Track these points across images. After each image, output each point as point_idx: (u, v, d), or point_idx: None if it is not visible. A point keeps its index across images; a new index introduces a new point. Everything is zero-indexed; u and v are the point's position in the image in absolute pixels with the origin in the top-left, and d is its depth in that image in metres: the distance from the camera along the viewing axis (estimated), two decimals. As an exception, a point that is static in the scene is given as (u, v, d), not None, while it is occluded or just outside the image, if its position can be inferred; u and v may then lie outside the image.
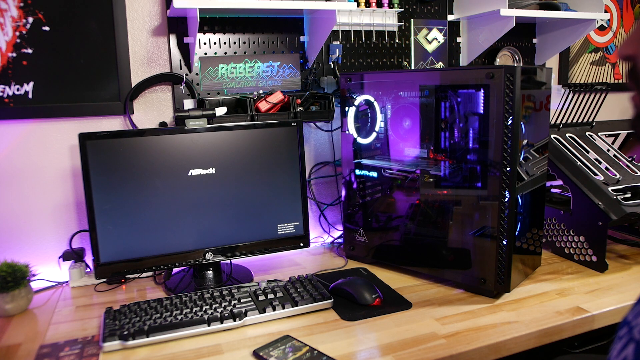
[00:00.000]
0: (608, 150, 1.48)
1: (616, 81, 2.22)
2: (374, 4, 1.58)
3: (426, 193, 1.23)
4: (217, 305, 1.08)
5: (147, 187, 1.19)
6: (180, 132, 1.21)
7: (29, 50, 1.29)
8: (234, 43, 1.49)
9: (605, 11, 2.05)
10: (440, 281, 1.25)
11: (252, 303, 1.09)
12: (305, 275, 1.23)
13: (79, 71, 1.34)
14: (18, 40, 1.28)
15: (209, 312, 1.05)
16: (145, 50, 1.41)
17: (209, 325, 1.01)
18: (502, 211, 1.10)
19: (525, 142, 1.17)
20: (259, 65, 1.52)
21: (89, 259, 1.35)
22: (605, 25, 2.13)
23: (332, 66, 1.61)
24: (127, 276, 1.32)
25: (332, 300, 1.12)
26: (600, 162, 1.40)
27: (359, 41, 1.64)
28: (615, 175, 1.34)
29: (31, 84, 1.30)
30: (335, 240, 1.63)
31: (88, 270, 1.34)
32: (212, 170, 1.24)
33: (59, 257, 1.34)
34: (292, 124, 1.31)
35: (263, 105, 1.40)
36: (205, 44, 1.46)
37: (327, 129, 1.65)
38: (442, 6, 1.75)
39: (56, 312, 1.15)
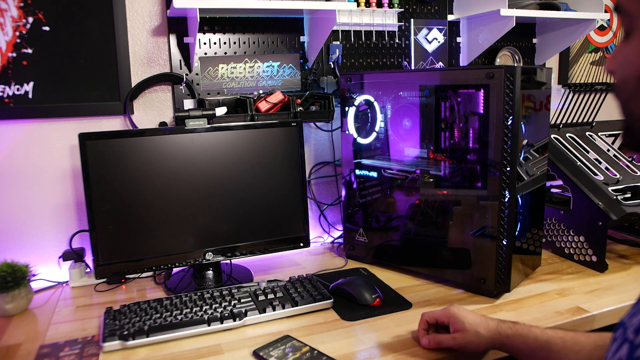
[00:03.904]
0: (608, 150, 1.48)
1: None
2: (374, 4, 1.58)
3: (426, 193, 1.23)
4: (217, 305, 1.08)
5: (147, 187, 1.19)
6: (180, 132, 1.21)
7: (29, 50, 1.29)
8: (234, 43, 1.49)
9: (605, 11, 2.05)
10: (440, 281, 1.25)
11: (252, 303, 1.09)
12: (305, 275, 1.23)
13: (79, 71, 1.34)
14: (18, 40, 1.28)
15: (209, 312, 1.05)
16: (145, 50, 1.41)
17: (209, 325, 1.01)
18: (502, 211, 1.10)
19: (525, 142, 1.17)
20: (259, 65, 1.52)
21: (89, 259, 1.35)
22: (605, 25, 2.13)
23: (332, 66, 1.61)
24: (127, 276, 1.32)
25: (332, 300, 1.12)
26: (600, 162, 1.40)
27: (359, 41, 1.64)
28: (615, 175, 1.34)
29: (31, 84, 1.30)
30: (335, 240, 1.63)
31: (88, 270, 1.34)
32: (212, 170, 1.24)
33: (59, 257, 1.34)
34: (292, 124, 1.31)
35: (263, 105, 1.40)
36: (205, 44, 1.46)
37: (327, 129, 1.65)
38: (442, 6, 1.75)
39: (56, 312, 1.15)
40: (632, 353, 0.49)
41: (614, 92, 0.54)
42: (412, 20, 1.70)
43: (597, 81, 2.16)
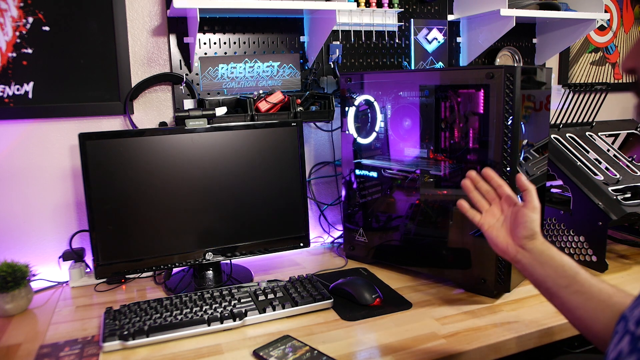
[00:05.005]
0: (608, 150, 1.48)
1: (616, 81, 2.22)
2: (374, 4, 1.58)
3: (426, 193, 1.23)
4: (217, 305, 1.08)
5: (147, 187, 1.19)
6: (180, 132, 1.21)
7: (29, 50, 1.29)
8: (234, 43, 1.49)
9: (605, 11, 2.05)
10: (440, 281, 1.25)
11: (252, 303, 1.09)
12: (305, 275, 1.23)
13: (79, 71, 1.34)
14: (18, 40, 1.28)
15: (209, 312, 1.05)
16: (145, 50, 1.41)
17: (209, 325, 1.01)
18: (502, 211, 1.10)
19: (525, 142, 1.17)
20: (259, 65, 1.52)
21: (89, 259, 1.35)
22: (605, 25, 2.13)
23: (332, 66, 1.61)
24: (127, 276, 1.32)
25: (332, 300, 1.12)
26: (600, 162, 1.40)
27: (359, 41, 1.64)
28: (615, 175, 1.34)
29: (31, 84, 1.30)
30: (335, 240, 1.63)
31: (88, 270, 1.34)
32: (212, 170, 1.24)
33: (59, 257, 1.34)
34: (292, 124, 1.31)
35: (263, 105, 1.40)
36: (205, 44, 1.46)
37: (327, 129, 1.65)
38: (442, 6, 1.75)
39: (56, 312, 1.15)
40: (634, 343, 0.49)
41: (635, 89, 0.53)
42: (412, 20, 1.70)
43: (597, 81, 2.16)
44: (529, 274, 0.82)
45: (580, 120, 1.54)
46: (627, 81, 2.24)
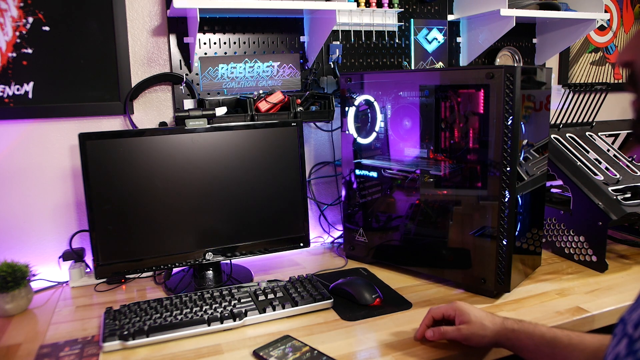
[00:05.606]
0: (608, 150, 1.48)
1: (616, 81, 2.22)
2: (374, 4, 1.58)
3: (426, 193, 1.23)
4: (217, 305, 1.08)
5: (147, 187, 1.19)
6: (180, 132, 1.21)
7: (29, 50, 1.29)
8: (234, 43, 1.49)
9: (605, 11, 2.05)
10: (440, 281, 1.25)
11: (252, 303, 1.09)
12: (305, 275, 1.23)
13: (79, 71, 1.34)
14: (18, 40, 1.28)
15: (209, 312, 1.05)
16: (145, 50, 1.41)
17: (209, 325, 1.01)
18: (502, 211, 1.10)
19: (525, 142, 1.17)
20: (259, 65, 1.52)
21: (89, 259, 1.35)
22: (605, 25, 2.13)
23: (332, 66, 1.61)
24: (127, 276, 1.32)
25: (332, 300, 1.12)
26: (600, 162, 1.40)
27: (359, 41, 1.64)
28: (615, 175, 1.34)
29: (31, 84, 1.30)
30: (335, 240, 1.63)
31: (88, 270, 1.34)
32: (212, 170, 1.24)
33: (59, 257, 1.34)
34: (292, 124, 1.31)
35: (263, 105, 1.40)
36: (205, 44, 1.46)
37: (327, 129, 1.65)
38: (442, 6, 1.75)
39: (56, 312, 1.15)
40: (631, 346, 0.50)
41: (632, 84, 0.52)
42: (412, 20, 1.70)
43: (597, 81, 2.16)
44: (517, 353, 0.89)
45: (580, 120, 1.54)
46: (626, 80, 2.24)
